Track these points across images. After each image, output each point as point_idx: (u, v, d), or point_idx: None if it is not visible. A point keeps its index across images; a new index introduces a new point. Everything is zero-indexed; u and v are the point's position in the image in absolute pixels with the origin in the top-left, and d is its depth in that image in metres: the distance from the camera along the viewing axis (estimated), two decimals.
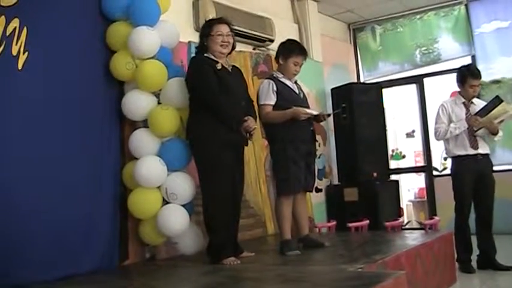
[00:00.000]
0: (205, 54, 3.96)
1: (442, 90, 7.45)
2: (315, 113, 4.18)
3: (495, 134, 4.84)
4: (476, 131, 4.80)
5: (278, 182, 4.13)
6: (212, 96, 3.81)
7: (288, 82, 4.20)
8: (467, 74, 4.90)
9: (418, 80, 7.62)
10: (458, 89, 5.03)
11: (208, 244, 3.87)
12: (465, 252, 4.88)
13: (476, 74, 4.92)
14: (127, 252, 4.15)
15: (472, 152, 4.82)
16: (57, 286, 3.36)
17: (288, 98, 4.11)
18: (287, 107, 4.03)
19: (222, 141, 3.82)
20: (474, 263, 4.88)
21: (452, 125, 4.84)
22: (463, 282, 4.53)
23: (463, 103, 4.91)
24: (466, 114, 4.87)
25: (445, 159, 7.43)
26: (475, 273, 4.74)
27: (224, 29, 3.98)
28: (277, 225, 4.21)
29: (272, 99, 4.07)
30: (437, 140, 5.07)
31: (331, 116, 4.68)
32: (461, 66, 5.16)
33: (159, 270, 3.86)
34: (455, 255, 4.79)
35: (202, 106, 3.85)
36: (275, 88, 4.08)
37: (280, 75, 4.20)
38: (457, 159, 4.91)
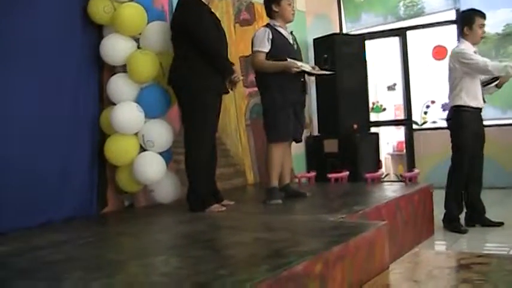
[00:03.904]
0: None
1: (424, 43, 7.40)
2: (307, 69, 4.11)
3: (500, 87, 4.68)
4: (488, 83, 4.58)
5: (268, 129, 4.12)
6: (212, 43, 3.77)
7: (283, 31, 4.15)
8: (475, 14, 4.62)
9: (401, 32, 7.51)
10: (460, 38, 4.70)
11: (189, 192, 3.80)
12: (457, 209, 4.63)
13: (483, 13, 4.64)
14: (106, 199, 4.11)
15: (482, 104, 4.58)
16: (35, 232, 3.31)
17: (281, 47, 4.06)
18: (280, 57, 3.99)
19: (214, 88, 3.84)
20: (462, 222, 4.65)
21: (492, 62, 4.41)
22: (440, 235, 4.56)
23: (474, 52, 4.56)
24: None
25: (426, 113, 7.48)
26: (467, 233, 4.44)
27: None
28: (266, 172, 4.18)
29: (266, 47, 4.02)
30: (481, 71, 4.45)
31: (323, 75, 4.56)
32: (464, 11, 4.91)
33: (137, 218, 3.83)
34: (444, 215, 4.66)
35: (194, 50, 3.74)
36: (270, 36, 4.03)
37: (276, 24, 4.13)
38: (468, 111, 4.52)
